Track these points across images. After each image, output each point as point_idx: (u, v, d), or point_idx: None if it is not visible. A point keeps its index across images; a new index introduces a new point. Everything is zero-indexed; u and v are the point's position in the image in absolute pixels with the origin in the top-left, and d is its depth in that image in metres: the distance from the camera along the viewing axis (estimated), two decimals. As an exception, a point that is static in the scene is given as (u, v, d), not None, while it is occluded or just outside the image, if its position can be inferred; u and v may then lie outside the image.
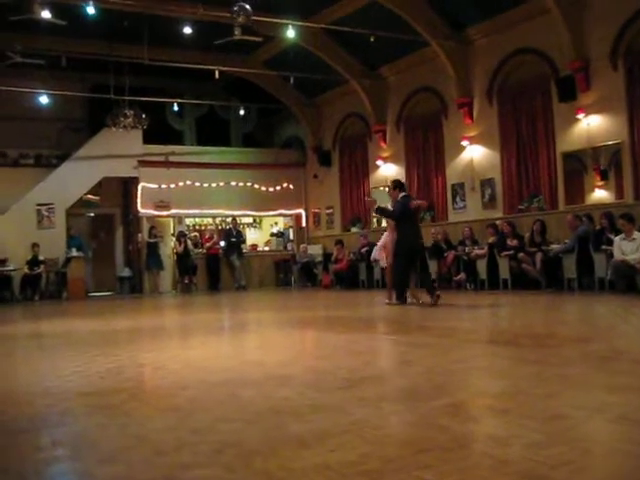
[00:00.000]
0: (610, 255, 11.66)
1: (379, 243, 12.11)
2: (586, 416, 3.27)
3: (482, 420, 3.47)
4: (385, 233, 11.93)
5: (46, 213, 19.03)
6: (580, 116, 13.62)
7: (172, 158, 20.65)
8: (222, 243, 20.63)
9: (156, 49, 17.00)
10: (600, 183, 13.69)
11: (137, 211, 20.32)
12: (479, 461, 2.67)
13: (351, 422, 3.30)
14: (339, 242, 18.86)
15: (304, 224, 22.51)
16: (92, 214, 21.64)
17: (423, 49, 16.71)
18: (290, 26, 15.40)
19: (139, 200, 20.20)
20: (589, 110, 13.52)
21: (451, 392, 4.05)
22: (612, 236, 11.79)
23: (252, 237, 22.52)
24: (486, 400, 3.84)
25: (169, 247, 20.65)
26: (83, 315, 13.13)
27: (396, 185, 11.40)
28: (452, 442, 2.91)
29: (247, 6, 12.78)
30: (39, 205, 18.97)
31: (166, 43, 17.49)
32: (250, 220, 22.65)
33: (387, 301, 11.22)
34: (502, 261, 13.87)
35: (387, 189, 11.75)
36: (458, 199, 16.67)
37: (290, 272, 21.34)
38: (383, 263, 12.15)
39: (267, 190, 21.79)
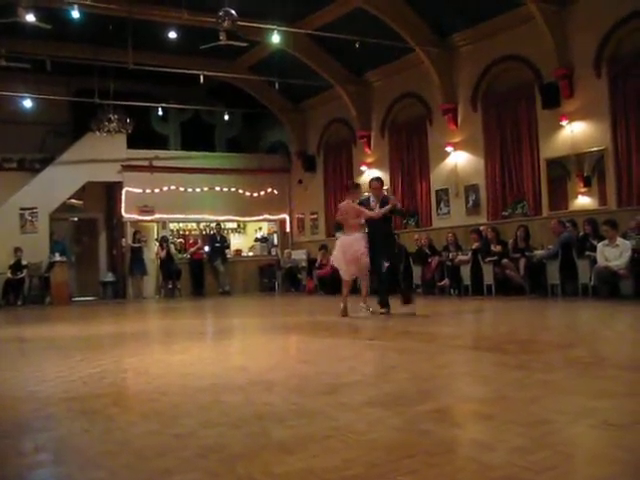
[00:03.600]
0: (593, 261, 11.73)
1: (338, 249, 10.56)
2: (570, 421, 3.29)
3: (467, 425, 3.47)
4: (342, 237, 10.58)
5: (29, 217, 18.91)
6: (564, 123, 13.71)
7: (156, 163, 20.57)
8: (206, 248, 20.59)
9: (141, 53, 16.92)
10: (583, 189, 13.76)
11: (121, 216, 20.24)
12: (464, 466, 2.67)
13: (335, 427, 3.29)
14: (323, 247, 18.81)
15: (288, 229, 22.51)
16: (76, 218, 21.51)
17: (408, 55, 16.76)
18: (275, 31, 15.38)
19: (123, 205, 20.13)
20: (573, 117, 13.61)
21: (436, 397, 4.05)
22: (595, 242, 11.86)
23: (236, 242, 22.47)
24: (471, 405, 3.85)
25: (153, 252, 20.57)
26: (66, 320, 13.04)
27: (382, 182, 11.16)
28: (437, 447, 2.91)
29: (232, 11, 12.77)
30: (22, 209, 18.85)
31: (151, 48, 17.44)
32: (234, 225, 22.61)
33: (373, 309, 10.20)
34: (486, 267, 13.91)
35: (354, 187, 10.92)
36: (442, 205, 16.72)
37: (274, 277, 21.32)
38: (346, 273, 10.69)
39: (251, 195, 21.78)
